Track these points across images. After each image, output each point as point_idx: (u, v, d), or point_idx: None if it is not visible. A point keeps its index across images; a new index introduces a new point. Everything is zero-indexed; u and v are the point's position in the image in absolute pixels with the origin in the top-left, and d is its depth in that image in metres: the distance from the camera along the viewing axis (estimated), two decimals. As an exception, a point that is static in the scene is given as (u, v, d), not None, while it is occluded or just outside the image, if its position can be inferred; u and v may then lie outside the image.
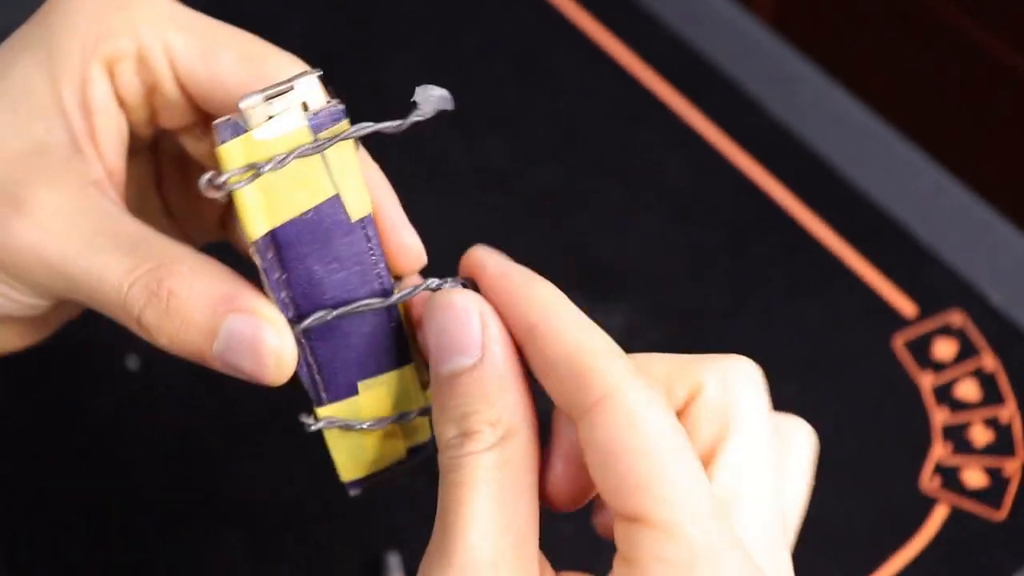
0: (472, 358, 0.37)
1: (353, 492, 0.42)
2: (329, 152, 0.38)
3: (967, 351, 0.62)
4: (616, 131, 0.68)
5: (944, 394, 0.61)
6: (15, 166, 0.40)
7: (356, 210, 0.39)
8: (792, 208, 0.66)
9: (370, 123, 0.38)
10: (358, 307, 0.39)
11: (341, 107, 0.38)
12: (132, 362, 0.60)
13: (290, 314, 0.39)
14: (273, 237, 0.38)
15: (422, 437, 0.42)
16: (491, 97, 0.68)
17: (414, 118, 0.39)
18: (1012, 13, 0.95)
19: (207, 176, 0.37)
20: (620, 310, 0.61)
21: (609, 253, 0.65)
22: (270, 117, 0.38)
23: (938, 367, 0.61)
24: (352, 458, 0.41)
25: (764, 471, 0.38)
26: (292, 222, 0.38)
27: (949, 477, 0.59)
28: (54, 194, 0.40)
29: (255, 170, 0.37)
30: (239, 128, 0.37)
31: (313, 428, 0.41)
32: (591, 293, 0.61)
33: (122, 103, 0.42)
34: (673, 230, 0.65)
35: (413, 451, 0.42)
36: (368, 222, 0.39)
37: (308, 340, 0.40)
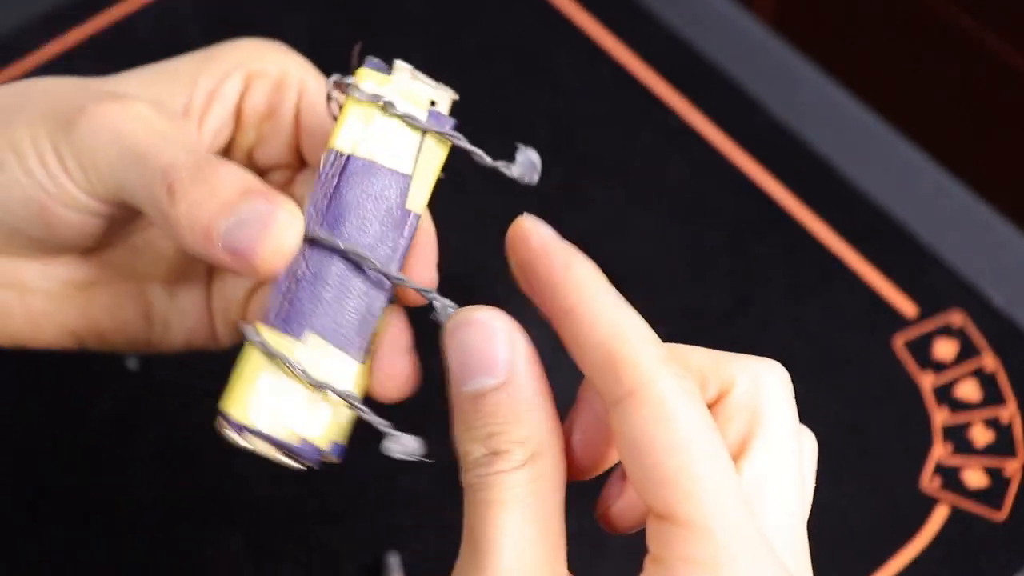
0: (497, 378, 0.37)
1: (224, 430, 0.40)
2: (427, 141, 0.42)
3: (967, 351, 0.62)
4: (616, 131, 0.68)
5: (944, 394, 0.61)
6: (132, 94, 0.44)
7: (413, 203, 0.42)
8: (792, 208, 0.66)
9: (466, 141, 0.42)
10: (368, 259, 0.40)
11: (457, 124, 0.42)
12: (132, 362, 0.60)
13: (312, 222, 0.41)
14: (348, 160, 0.41)
15: (321, 441, 0.40)
16: (491, 97, 0.68)
17: (500, 166, 0.42)
18: (1013, 13, 0.95)
19: (339, 77, 0.42)
20: (620, 310, 0.61)
21: (609, 253, 0.65)
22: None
23: (938, 367, 0.61)
24: (249, 395, 0.40)
25: (789, 472, 0.38)
26: (369, 162, 0.41)
27: (949, 477, 0.59)
28: (151, 110, 0.43)
29: (376, 100, 0.41)
30: (385, 70, 0.42)
31: (244, 328, 0.40)
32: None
33: (240, 114, 0.46)
34: (673, 230, 0.65)
35: (303, 447, 0.40)
36: (414, 220, 0.42)
37: (305, 258, 0.41)
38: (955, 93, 1.02)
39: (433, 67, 0.45)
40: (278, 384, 0.40)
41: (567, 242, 0.39)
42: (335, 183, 0.41)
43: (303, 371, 0.40)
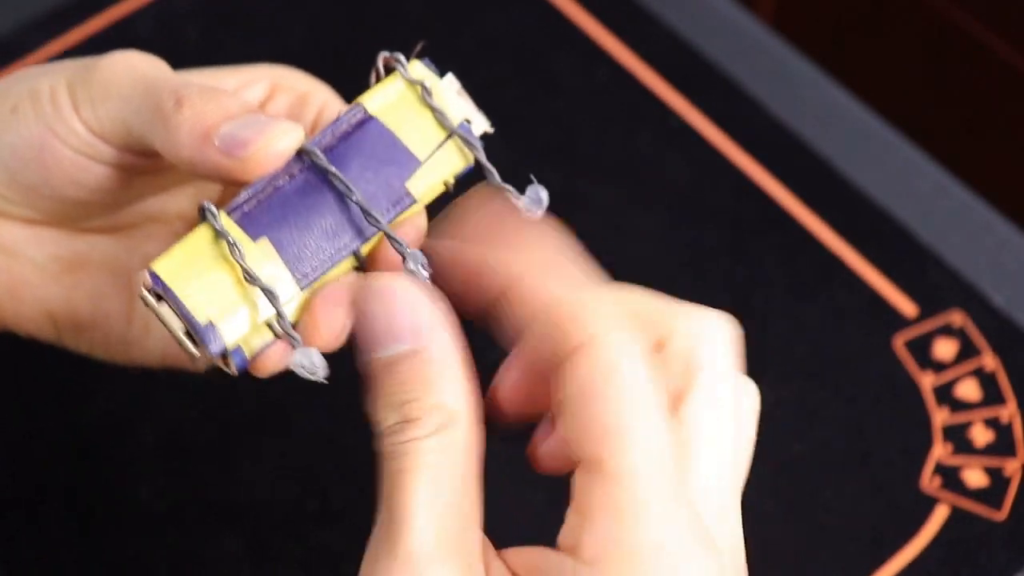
0: (408, 344, 0.37)
1: (144, 291, 0.40)
2: (448, 145, 0.42)
3: (967, 351, 0.62)
4: (616, 131, 0.68)
5: (944, 394, 0.61)
6: None
7: (414, 186, 0.42)
8: (792, 208, 0.66)
9: (484, 156, 0.43)
10: (353, 191, 0.41)
11: (482, 144, 0.43)
12: (132, 362, 0.60)
13: (312, 145, 0.41)
14: (370, 119, 0.42)
15: (227, 336, 0.40)
16: (491, 97, 0.68)
17: (509, 191, 0.42)
18: (1013, 12, 0.95)
19: (393, 54, 0.43)
20: (620, 310, 0.61)
21: (609, 253, 0.65)
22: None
23: (938, 367, 0.61)
24: (182, 261, 0.40)
25: (724, 424, 0.38)
26: (388, 131, 0.42)
27: (949, 477, 0.59)
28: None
29: (417, 84, 0.43)
30: (436, 73, 0.43)
31: (203, 204, 0.40)
32: (591, 293, 0.61)
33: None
34: (673, 230, 0.65)
35: (207, 332, 0.40)
36: (408, 202, 0.42)
37: (291, 175, 0.41)
38: (955, 93, 1.02)
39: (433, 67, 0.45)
40: (213, 264, 0.40)
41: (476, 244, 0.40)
42: (349, 131, 0.42)
43: (242, 257, 0.40)
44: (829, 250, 0.65)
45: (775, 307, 0.63)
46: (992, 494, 0.58)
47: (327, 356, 0.40)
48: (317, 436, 0.59)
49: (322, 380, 0.40)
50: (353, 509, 0.58)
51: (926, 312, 0.63)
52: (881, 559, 0.57)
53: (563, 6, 0.72)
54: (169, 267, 0.40)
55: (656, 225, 0.65)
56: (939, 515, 0.58)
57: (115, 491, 0.58)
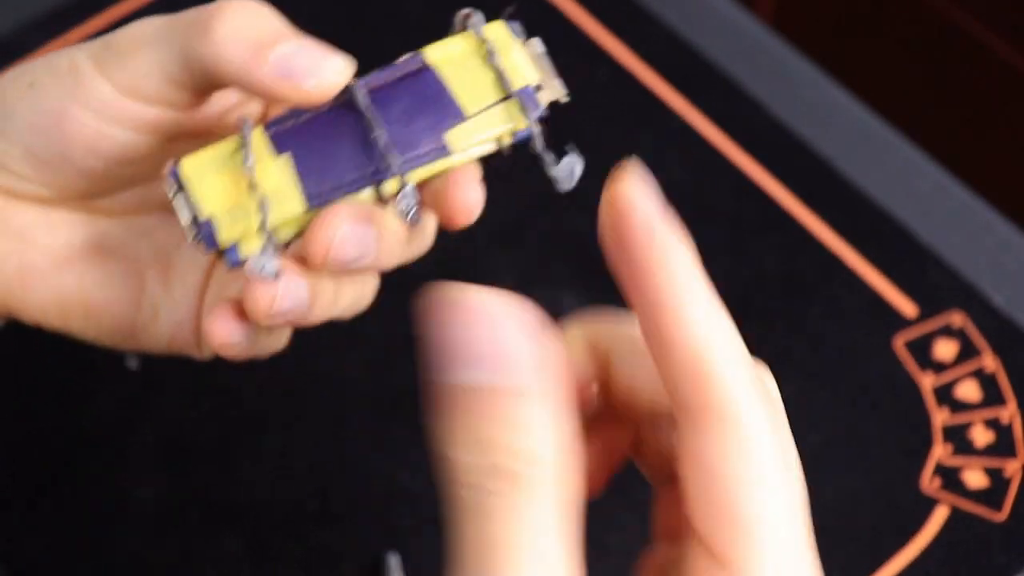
0: (488, 371, 0.31)
1: (167, 177, 0.42)
2: (503, 106, 0.43)
3: (968, 352, 0.62)
4: (616, 131, 0.68)
5: (945, 394, 0.61)
6: None
7: (454, 141, 0.42)
8: (792, 208, 0.66)
9: (535, 123, 0.43)
10: (376, 131, 0.41)
11: (540, 117, 0.43)
12: (132, 361, 0.60)
13: (362, 83, 0.42)
14: (425, 69, 0.43)
15: (224, 231, 0.41)
16: (491, 97, 0.68)
17: (546, 159, 0.43)
18: (1013, 12, 0.95)
19: (472, 10, 0.44)
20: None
21: (609, 253, 0.65)
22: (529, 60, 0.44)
23: (939, 367, 0.61)
24: (204, 160, 0.42)
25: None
26: (439, 82, 0.43)
27: (950, 478, 0.59)
28: None
29: (484, 45, 0.43)
30: (521, 36, 0.44)
31: (242, 117, 0.42)
32: (591, 293, 0.61)
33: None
34: (673, 230, 0.65)
35: (205, 226, 0.41)
36: (442, 154, 0.42)
37: (333, 103, 0.42)
38: (955, 93, 1.02)
39: (520, 29, 0.45)
40: (232, 170, 0.42)
41: (670, 221, 0.36)
42: (401, 77, 0.43)
43: (251, 167, 0.41)
44: (829, 250, 0.65)
45: (775, 307, 0.63)
46: (992, 495, 0.58)
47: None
48: (317, 436, 0.59)
49: (272, 280, 0.41)
50: (353, 509, 0.58)
51: (926, 312, 0.63)
52: (881, 559, 0.57)
53: (563, 6, 0.72)
54: (193, 164, 0.42)
55: (656, 225, 0.65)
56: (939, 516, 0.58)
57: (115, 491, 0.58)
